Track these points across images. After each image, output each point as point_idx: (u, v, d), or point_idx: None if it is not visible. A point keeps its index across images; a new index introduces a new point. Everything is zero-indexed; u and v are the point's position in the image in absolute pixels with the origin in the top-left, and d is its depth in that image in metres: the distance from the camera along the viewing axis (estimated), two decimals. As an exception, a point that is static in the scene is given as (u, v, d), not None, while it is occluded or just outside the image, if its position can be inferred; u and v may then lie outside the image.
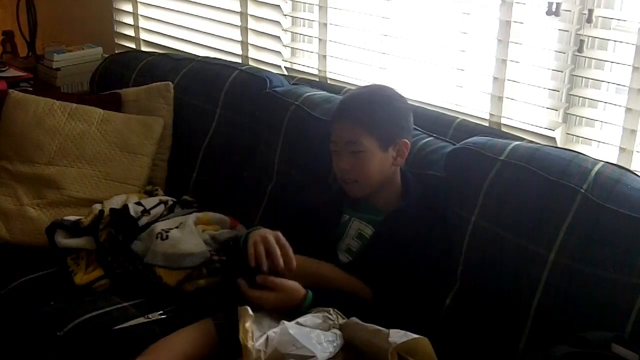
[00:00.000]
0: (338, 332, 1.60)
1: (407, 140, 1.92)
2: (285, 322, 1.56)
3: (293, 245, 1.79)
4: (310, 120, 2.24)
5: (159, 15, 3.22)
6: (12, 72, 3.19)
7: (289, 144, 2.31)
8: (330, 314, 1.64)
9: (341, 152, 1.90)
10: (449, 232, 1.89)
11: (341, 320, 1.64)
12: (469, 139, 1.96)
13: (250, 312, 1.59)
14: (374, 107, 1.90)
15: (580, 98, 2.10)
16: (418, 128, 2.14)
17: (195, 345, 1.77)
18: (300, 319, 1.60)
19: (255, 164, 2.42)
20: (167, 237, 2.11)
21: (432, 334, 1.55)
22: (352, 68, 2.57)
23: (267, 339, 1.53)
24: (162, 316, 1.98)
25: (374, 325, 1.57)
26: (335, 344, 1.56)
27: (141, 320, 1.97)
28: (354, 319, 1.62)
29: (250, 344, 1.52)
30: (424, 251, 1.83)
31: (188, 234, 2.12)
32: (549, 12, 2.00)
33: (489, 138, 1.95)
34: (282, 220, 2.00)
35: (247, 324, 1.56)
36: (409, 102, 2.10)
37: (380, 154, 1.88)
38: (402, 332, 1.51)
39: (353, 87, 2.50)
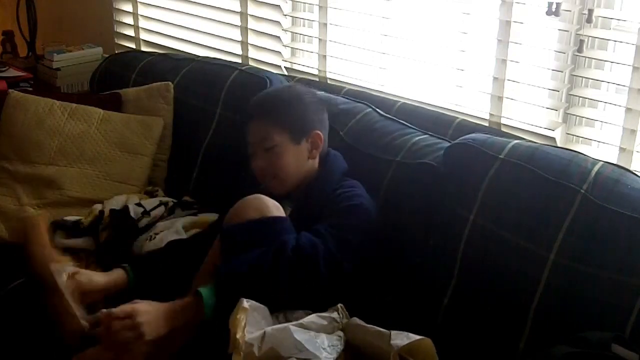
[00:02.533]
0: (342, 334, 1.59)
1: (319, 132, 1.96)
2: (290, 326, 1.52)
3: None
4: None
5: (159, 15, 3.22)
6: (12, 72, 3.19)
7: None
8: (338, 314, 1.62)
9: (256, 152, 1.94)
10: (376, 214, 1.88)
11: (345, 320, 1.63)
12: (469, 135, 1.96)
13: (246, 305, 1.55)
14: (281, 103, 1.96)
15: (580, 98, 2.10)
16: (412, 126, 2.14)
17: None
18: (305, 321, 1.57)
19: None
20: (154, 237, 2.12)
21: (429, 333, 1.54)
22: (352, 68, 2.57)
23: (264, 334, 1.50)
24: None
25: (376, 327, 1.56)
26: (338, 349, 1.54)
27: None
28: (356, 320, 1.61)
29: (240, 334, 1.49)
30: (332, 216, 1.80)
31: (172, 233, 2.14)
32: (548, 12, 2.00)
33: (489, 135, 1.94)
34: None
35: (240, 316, 1.53)
36: (407, 104, 2.11)
37: (294, 147, 1.92)
38: (404, 333, 1.50)
39: (353, 88, 2.50)
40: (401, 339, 1.48)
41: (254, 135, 1.95)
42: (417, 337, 1.49)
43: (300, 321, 1.56)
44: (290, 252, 1.65)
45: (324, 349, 1.51)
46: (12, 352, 2.11)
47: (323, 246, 1.69)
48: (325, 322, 1.58)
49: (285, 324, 1.53)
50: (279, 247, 1.65)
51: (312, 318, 1.58)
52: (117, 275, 1.87)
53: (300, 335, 1.51)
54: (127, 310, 1.58)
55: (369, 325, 1.57)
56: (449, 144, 1.99)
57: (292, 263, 1.64)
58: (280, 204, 1.86)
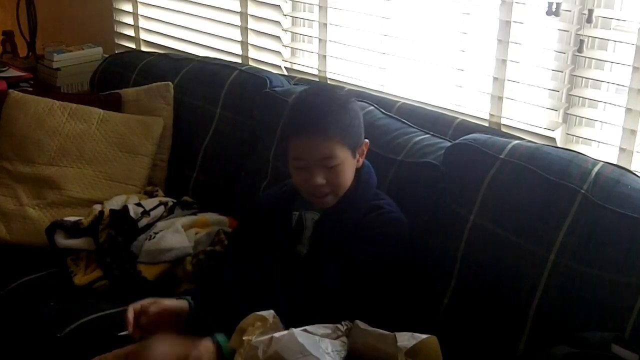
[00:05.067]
0: (346, 340, 1.57)
1: (367, 140, 1.91)
2: (294, 330, 1.52)
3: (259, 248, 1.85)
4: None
5: (159, 15, 3.22)
6: (12, 72, 3.19)
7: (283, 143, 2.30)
8: (341, 325, 1.60)
9: (313, 168, 1.81)
10: (408, 227, 1.87)
11: (349, 326, 1.61)
12: (469, 135, 1.96)
13: (271, 319, 1.56)
14: (343, 116, 1.82)
15: (580, 98, 2.10)
16: (414, 126, 2.14)
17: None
18: (309, 327, 1.56)
19: (252, 163, 2.42)
20: (154, 236, 2.13)
21: (429, 333, 1.54)
22: (352, 68, 2.57)
23: (271, 339, 1.50)
24: None
25: (379, 330, 1.55)
26: (342, 354, 1.53)
27: None
28: (359, 323, 1.60)
29: (246, 338, 1.50)
30: (369, 237, 1.80)
31: (172, 232, 2.14)
32: (549, 12, 2.00)
33: (489, 136, 1.94)
34: (245, 226, 2.01)
35: (258, 323, 1.54)
36: (407, 104, 2.15)
37: (352, 160, 1.85)
38: (409, 334, 1.50)
39: (353, 88, 2.50)
40: (407, 339, 1.47)
41: (315, 152, 1.79)
42: (423, 336, 1.48)
43: (305, 327, 1.55)
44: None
45: (327, 353, 1.50)
46: (11, 353, 2.12)
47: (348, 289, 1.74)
48: (329, 331, 1.58)
49: (290, 329, 1.53)
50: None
51: (316, 326, 1.57)
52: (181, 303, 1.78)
53: (304, 339, 1.50)
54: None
55: (371, 329, 1.56)
56: (449, 144, 1.99)
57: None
58: (305, 211, 1.89)
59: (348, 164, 1.83)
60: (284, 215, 1.92)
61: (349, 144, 1.82)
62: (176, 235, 2.13)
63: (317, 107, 1.84)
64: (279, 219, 1.92)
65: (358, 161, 1.89)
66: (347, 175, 1.84)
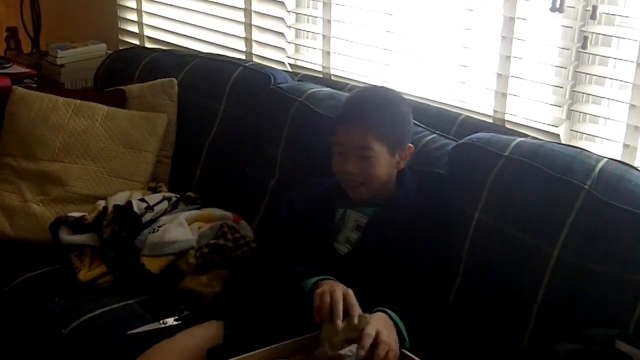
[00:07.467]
0: None
1: (411, 145, 1.95)
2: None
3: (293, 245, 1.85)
4: (314, 117, 2.24)
5: (163, 12, 3.22)
6: (16, 69, 3.19)
7: (291, 140, 2.31)
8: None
9: (348, 155, 1.87)
10: (450, 225, 1.89)
11: None
12: (473, 135, 1.96)
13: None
14: (385, 113, 1.90)
15: (584, 94, 2.10)
16: (421, 125, 2.14)
17: (198, 347, 1.77)
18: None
19: (258, 160, 2.43)
20: (157, 229, 2.13)
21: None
22: (356, 64, 2.57)
23: None
24: (177, 322, 1.97)
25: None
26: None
27: (156, 325, 1.96)
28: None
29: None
30: (421, 234, 1.83)
31: (175, 225, 2.15)
32: (552, 9, 1.99)
33: (493, 134, 1.94)
34: (280, 223, 1.99)
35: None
36: (411, 101, 2.15)
37: (388, 158, 1.89)
38: None
39: (357, 84, 2.50)
40: None
41: (352, 140, 1.87)
42: None
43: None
44: None
45: None
46: (16, 349, 2.12)
47: None
48: None
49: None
50: None
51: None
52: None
53: None
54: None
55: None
56: (454, 144, 1.99)
57: None
58: (350, 210, 1.91)
59: (383, 160, 1.88)
60: (328, 210, 1.94)
61: (386, 141, 1.87)
62: (180, 228, 2.14)
63: (365, 101, 1.96)
64: (321, 214, 1.94)
65: (399, 163, 1.93)
66: (380, 170, 1.88)
